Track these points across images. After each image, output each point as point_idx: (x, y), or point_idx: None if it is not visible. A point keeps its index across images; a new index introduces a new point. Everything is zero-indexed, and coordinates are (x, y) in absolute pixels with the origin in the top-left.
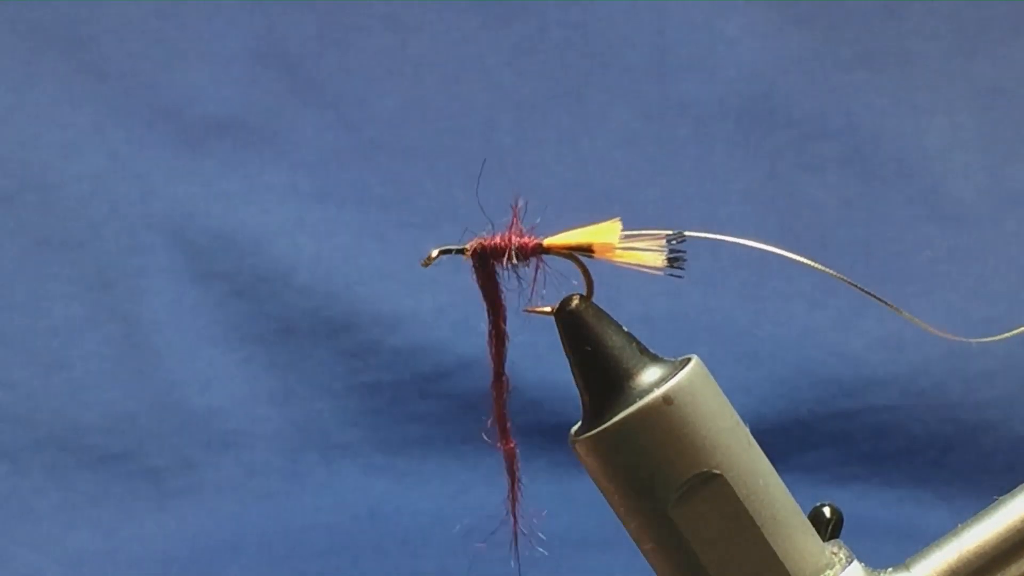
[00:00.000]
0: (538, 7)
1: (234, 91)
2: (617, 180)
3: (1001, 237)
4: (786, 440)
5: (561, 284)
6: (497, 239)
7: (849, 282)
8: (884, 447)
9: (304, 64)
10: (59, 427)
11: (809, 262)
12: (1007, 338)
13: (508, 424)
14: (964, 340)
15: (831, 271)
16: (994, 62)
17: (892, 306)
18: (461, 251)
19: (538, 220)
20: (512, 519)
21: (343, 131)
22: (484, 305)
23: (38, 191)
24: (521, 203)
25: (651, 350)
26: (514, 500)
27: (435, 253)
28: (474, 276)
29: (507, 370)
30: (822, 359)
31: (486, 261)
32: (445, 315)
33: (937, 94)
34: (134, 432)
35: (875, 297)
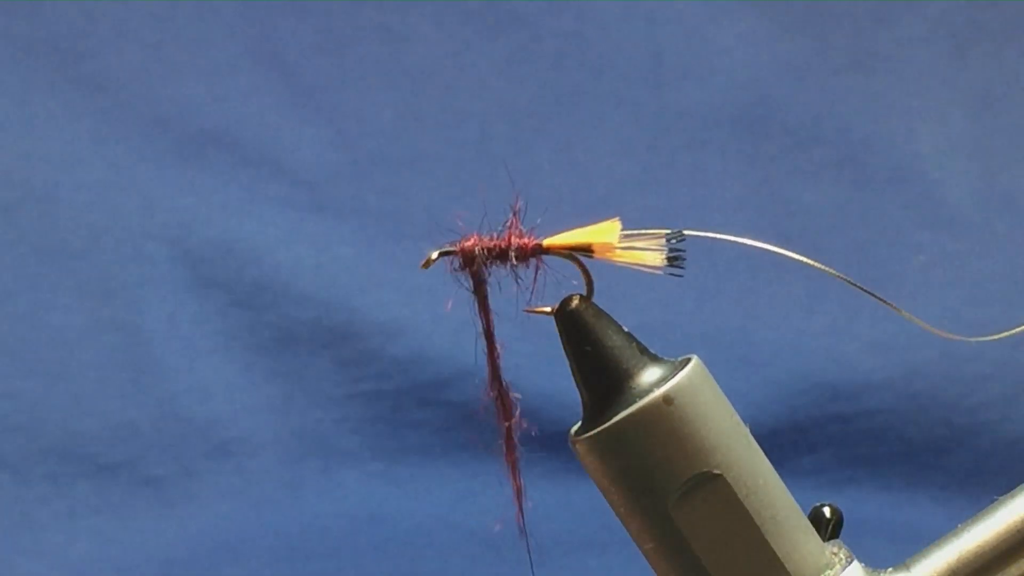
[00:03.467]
0: (532, 16)
1: (233, 103)
2: (612, 188)
3: (994, 242)
4: (783, 444)
5: (561, 284)
6: (496, 239)
7: (848, 280)
8: (880, 451)
9: (301, 76)
10: (60, 436)
11: (807, 260)
12: (1004, 337)
13: (514, 433)
14: (964, 339)
15: (830, 270)
16: (985, 68)
17: (893, 306)
18: (458, 252)
19: (538, 221)
20: (522, 529)
21: (341, 143)
22: (476, 306)
23: (39, 203)
24: (520, 204)
25: (651, 350)
26: (520, 508)
27: (435, 255)
28: (467, 276)
29: (506, 379)
30: (816, 363)
31: (473, 260)
32: (443, 324)
33: (929, 99)
34: (135, 441)
35: (876, 297)
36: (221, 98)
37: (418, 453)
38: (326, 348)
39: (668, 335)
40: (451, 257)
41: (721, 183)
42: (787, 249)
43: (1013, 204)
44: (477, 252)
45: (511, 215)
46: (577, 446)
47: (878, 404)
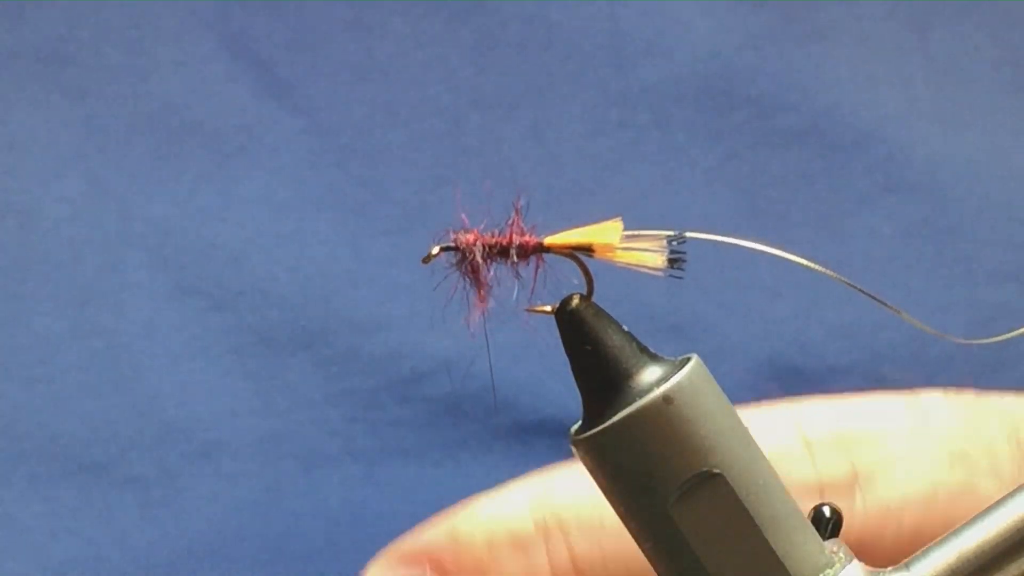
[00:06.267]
0: (495, 1)
1: (208, 101)
2: (584, 170)
3: (958, 205)
4: None
5: (561, 284)
6: (498, 236)
7: (848, 283)
8: None
9: (276, 70)
10: (41, 438)
11: (808, 263)
12: (1006, 339)
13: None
14: (964, 342)
15: (832, 273)
16: (944, 42)
17: (893, 308)
18: (459, 248)
19: (539, 219)
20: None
21: (316, 138)
22: (469, 294)
23: (18, 215)
24: (523, 202)
25: (651, 350)
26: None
27: (436, 250)
28: (467, 271)
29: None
30: (784, 350)
31: (471, 255)
32: (420, 318)
33: (891, 68)
34: (115, 442)
35: (876, 299)
36: (197, 92)
37: (398, 451)
38: (304, 348)
39: (639, 329)
40: (451, 252)
41: (690, 157)
42: (757, 220)
43: (975, 167)
44: (478, 248)
45: (513, 213)
46: (577, 446)
47: (845, 388)
